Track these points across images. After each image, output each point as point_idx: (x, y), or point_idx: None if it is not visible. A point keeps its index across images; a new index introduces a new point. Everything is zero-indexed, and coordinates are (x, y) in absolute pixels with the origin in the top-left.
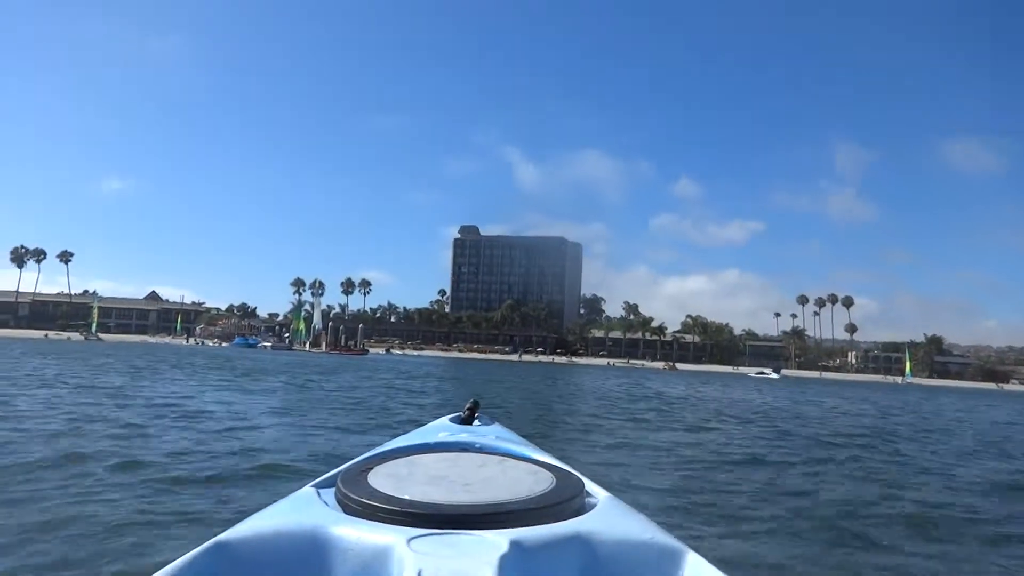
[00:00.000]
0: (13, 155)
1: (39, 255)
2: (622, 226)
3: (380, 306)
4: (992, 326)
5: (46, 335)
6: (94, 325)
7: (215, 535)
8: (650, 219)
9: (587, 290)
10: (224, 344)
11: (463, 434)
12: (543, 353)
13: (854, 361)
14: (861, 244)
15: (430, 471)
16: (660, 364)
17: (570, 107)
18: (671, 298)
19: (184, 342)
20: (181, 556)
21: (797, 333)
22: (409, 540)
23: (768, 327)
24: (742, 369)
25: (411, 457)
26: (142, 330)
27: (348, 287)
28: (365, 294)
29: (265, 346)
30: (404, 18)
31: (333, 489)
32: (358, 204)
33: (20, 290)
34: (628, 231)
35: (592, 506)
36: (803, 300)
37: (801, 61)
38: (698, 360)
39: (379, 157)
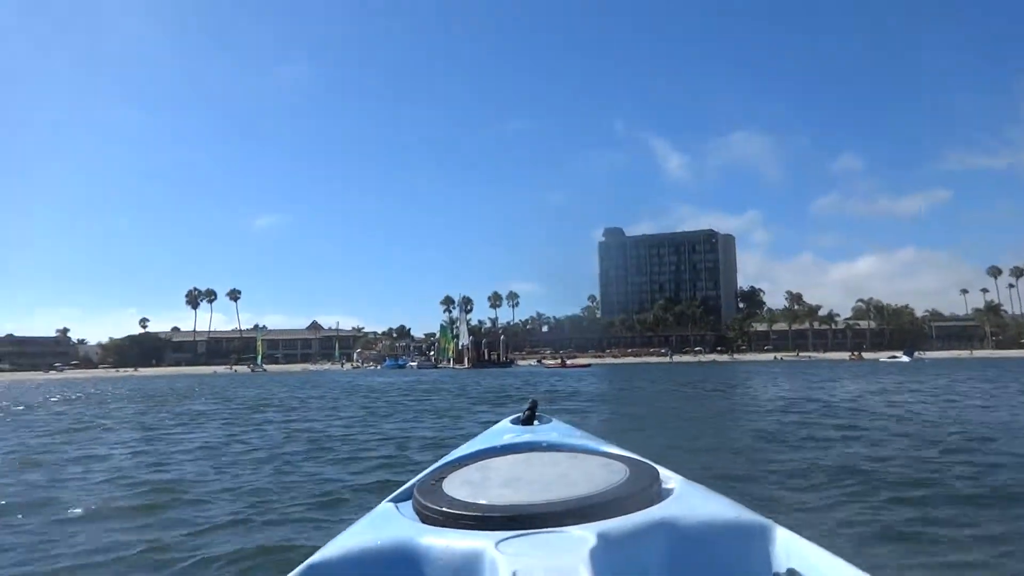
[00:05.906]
0: (169, 202)
1: (211, 295)
2: (780, 211)
3: (530, 317)
4: None
5: (215, 371)
6: (259, 357)
7: (305, 559)
8: (811, 201)
9: (744, 283)
10: (378, 367)
11: (527, 434)
12: (701, 352)
13: None
14: None
15: (504, 473)
16: (844, 355)
17: (711, 86)
18: (839, 284)
19: (341, 367)
20: None
21: (992, 309)
22: (497, 543)
23: (956, 306)
24: (874, 354)
25: (482, 462)
26: (306, 358)
27: (496, 300)
28: (513, 306)
29: (412, 366)
30: (528, 15)
31: (410, 502)
32: (502, 215)
33: (201, 329)
34: (787, 216)
35: (669, 492)
36: (995, 272)
37: None
38: (876, 348)
39: (517, 163)
